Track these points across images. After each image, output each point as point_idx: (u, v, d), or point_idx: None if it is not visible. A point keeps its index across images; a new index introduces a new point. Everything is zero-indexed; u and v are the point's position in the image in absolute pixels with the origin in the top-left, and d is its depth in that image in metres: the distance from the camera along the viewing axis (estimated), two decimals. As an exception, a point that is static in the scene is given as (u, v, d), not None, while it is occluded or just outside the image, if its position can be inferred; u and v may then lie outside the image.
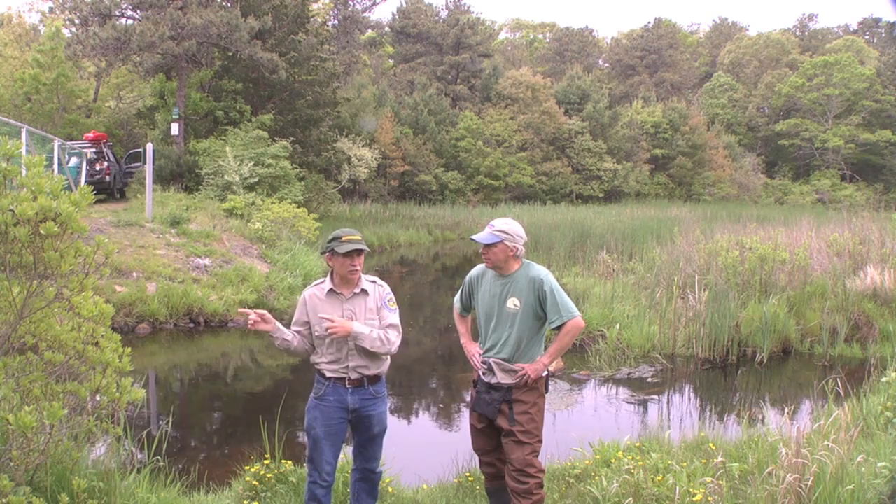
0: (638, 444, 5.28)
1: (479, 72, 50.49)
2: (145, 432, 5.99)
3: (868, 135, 52.97)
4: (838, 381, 6.39)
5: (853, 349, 9.56)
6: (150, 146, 16.89)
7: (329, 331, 3.63)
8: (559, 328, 3.75)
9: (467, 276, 4.10)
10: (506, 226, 3.80)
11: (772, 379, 9.02)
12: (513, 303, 3.79)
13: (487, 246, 3.79)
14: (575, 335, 3.82)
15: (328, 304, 3.76)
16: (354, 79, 42.07)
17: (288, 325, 3.90)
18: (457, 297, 4.21)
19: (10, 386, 3.51)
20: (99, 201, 13.78)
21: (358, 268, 3.72)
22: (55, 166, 15.69)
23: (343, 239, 3.69)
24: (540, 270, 3.83)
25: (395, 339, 3.78)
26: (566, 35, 71.22)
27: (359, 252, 3.70)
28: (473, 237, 3.87)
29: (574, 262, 16.08)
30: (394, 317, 3.83)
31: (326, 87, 27.80)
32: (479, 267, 4.04)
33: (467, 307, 4.16)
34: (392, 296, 3.89)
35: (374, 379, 3.81)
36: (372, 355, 3.80)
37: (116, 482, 4.02)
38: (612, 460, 4.89)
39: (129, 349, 3.98)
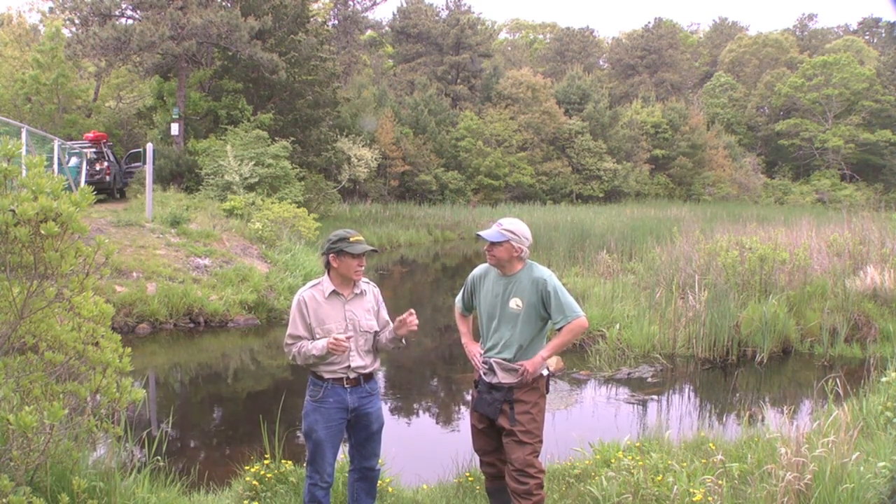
0: (638, 444, 5.28)
1: (480, 72, 50.49)
2: (145, 432, 6.00)
3: (868, 135, 52.97)
4: (838, 381, 6.39)
5: (853, 349, 9.56)
6: (150, 146, 16.89)
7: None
8: (566, 324, 3.76)
9: (469, 276, 4.10)
10: (513, 226, 3.81)
11: (772, 379, 9.02)
12: (515, 303, 3.79)
13: (493, 244, 3.79)
14: (577, 334, 3.82)
15: (329, 305, 3.76)
16: (354, 79, 42.08)
17: (286, 325, 3.89)
18: (458, 297, 4.20)
19: (10, 386, 3.51)
20: (99, 201, 13.76)
21: (364, 266, 3.78)
22: (55, 166, 15.69)
23: (352, 240, 3.71)
24: (543, 271, 3.84)
25: None
26: (566, 35, 71.22)
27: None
28: (480, 233, 3.86)
29: (574, 262, 16.08)
30: (389, 319, 3.97)
31: (326, 87, 27.80)
32: (482, 266, 4.04)
33: (469, 307, 4.16)
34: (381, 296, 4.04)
35: (369, 377, 3.86)
36: (371, 355, 3.85)
37: (116, 482, 4.02)
38: (612, 460, 4.89)
39: (129, 349, 3.99)
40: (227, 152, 19.87)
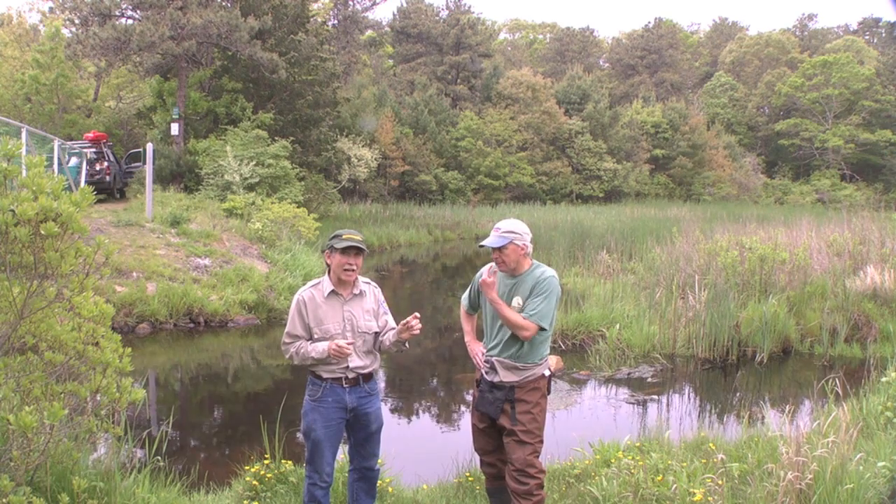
0: (638, 444, 5.28)
1: (480, 72, 50.50)
2: (146, 432, 6.00)
3: (868, 135, 52.98)
4: (838, 381, 6.39)
5: (853, 349, 9.56)
6: (150, 146, 16.89)
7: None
8: (528, 318, 3.70)
9: (477, 274, 4.08)
10: (511, 226, 3.82)
11: (772, 379, 9.02)
12: (517, 301, 3.79)
13: (498, 250, 3.78)
14: (519, 330, 3.70)
15: (328, 306, 3.76)
16: (354, 79, 42.07)
17: (286, 325, 3.88)
18: (464, 295, 4.21)
19: (10, 386, 3.51)
20: (99, 201, 13.75)
21: (355, 267, 3.73)
22: (55, 166, 15.69)
23: (343, 237, 3.71)
24: (547, 271, 3.84)
25: None
26: (566, 35, 71.27)
27: (357, 251, 3.71)
28: (483, 243, 3.84)
29: (574, 262, 16.08)
30: (392, 320, 3.94)
31: (326, 87, 27.78)
32: (490, 265, 4.04)
33: (475, 305, 4.16)
34: (383, 296, 3.99)
35: (368, 377, 3.86)
36: (371, 355, 3.85)
37: (116, 482, 4.02)
38: (612, 460, 4.89)
39: (129, 349, 3.99)
40: (227, 152, 19.86)
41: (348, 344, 3.62)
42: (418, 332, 3.69)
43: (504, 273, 3.88)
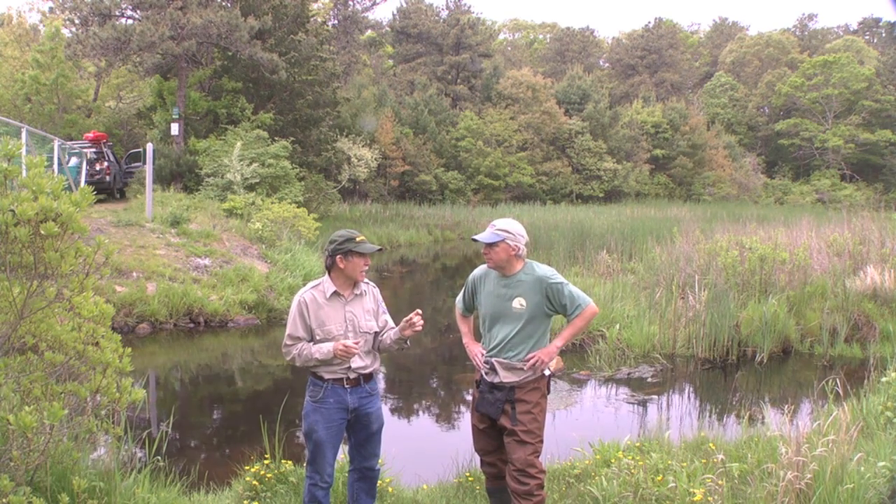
0: (638, 444, 5.28)
1: (480, 72, 50.48)
2: (145, 432, 6.00)
3: (868, 135, 52.97)
4: (838, 381, 6.39)
5: (853, 349, 9.56)
6: (150, 146, 16.89)
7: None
8: (577, 313, 3.82)
9: (470, 277, 4.10)
10: (507, 225, 3.82)
11: (772, 379, 9.02)
12: (519, 303, 3.80)
13: (489, 245, 3.79)
14: (590, 321, 3.90)
15: (330, 307, 3.76)
16: (354, 79, 42.07)
17: (286, 325, 3.88)
18: (459, 298, 4.21)
19: (10, 386, 3.51)
20: (99, 201, 13.74)
21: (368, 267, 3.80)
22: (55, 166, 15.69)
23: (358, 240, 3.72)
24: (545, 269, 3.86)
25: None
26: (567, 35, 71.24)
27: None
28: (475, 237, 3.87)
29: (574, 262, 16.07)
30: (391, 319, 3.96)
31: (326, 87, 27.78)
32: (482, 267, 4.04)
33: (469, 307, 4.16)
34: (381, 296, 4.03)
35: (369, 377, 3.86)
36: (371, 355, 3.85)
37: (116, 482, 4.02)
38: (612, 460, 4.89)
39: (129, 349, 3.99)
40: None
41: (355, 343, 3.63)
42: (420, 328, 3.72)
43: (497, 273, 3.89)
